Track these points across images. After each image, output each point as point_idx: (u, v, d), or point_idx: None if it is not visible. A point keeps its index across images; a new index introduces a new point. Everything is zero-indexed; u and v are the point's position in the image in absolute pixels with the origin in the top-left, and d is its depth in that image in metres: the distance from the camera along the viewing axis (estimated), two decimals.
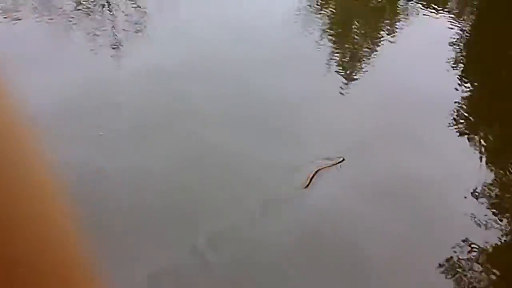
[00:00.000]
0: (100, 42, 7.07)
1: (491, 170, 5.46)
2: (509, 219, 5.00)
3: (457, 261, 4.61)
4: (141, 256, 4.22)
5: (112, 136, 5.39)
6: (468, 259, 4.64)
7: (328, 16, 8.13)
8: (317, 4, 8.34)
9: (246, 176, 5.22)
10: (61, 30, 7.20)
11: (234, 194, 5.00)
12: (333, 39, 7.54)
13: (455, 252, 4.66)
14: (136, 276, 4.07)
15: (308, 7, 8.19)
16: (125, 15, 7.73)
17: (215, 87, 6.33)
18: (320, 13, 8.11)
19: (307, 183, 5.19)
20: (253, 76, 6.53)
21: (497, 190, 5.28)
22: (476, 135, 5.92)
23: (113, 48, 6.97)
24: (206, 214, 4.77)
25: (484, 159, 5.57)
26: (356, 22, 8.13)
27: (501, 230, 4.91)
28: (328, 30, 7.75)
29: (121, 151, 5.26)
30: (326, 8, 8.29)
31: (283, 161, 5.31)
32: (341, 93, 6.48)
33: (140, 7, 7.91)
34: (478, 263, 4.63)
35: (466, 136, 5.90)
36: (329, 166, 5.38)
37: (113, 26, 7.46)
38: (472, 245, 4.74)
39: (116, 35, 7.27)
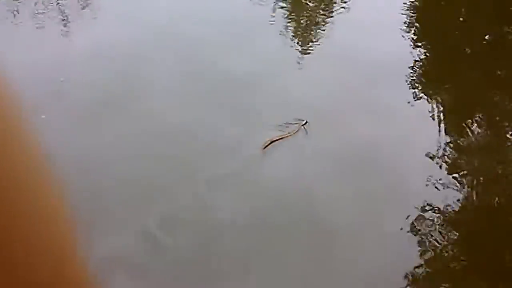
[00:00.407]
0: (45, 19, 6.80)
1: (447, 133, 5.46)
2: (466, 180, 5.01)
3: (418, 223, 4.61)
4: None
5: (57, 119, 5.17)
6: (428, 221, 4.64)
7: None
8: None
9: (202, 150, 5.11)
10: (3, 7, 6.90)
11: (187, 171, 4.91)
12: (286, 9, 7.41)
13: (415, 214, 4.67)
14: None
15: None
16: None
17: (167, 63, 6.17)
18: None
19: (265, 145, 5.17)
20: (207, 51, 6.42)
21: (454, 152, 5.29)
22: (430, 98, 5.92)
23: (61, 25, 6.73)
24: (159, 194, 4.68)
25: (439, 121, 5.57)
26: None
27: (459, 191, 4.92)
28: (280, 1, 7.60)
29: (67, 134, 5.05)
30: None
31: (237, 132, 5.25)
32: (296, 63, 6.41)
33: None
34: (439, 225, 4.64)
35: (421, 99, 5.89)
36: (292, 133, 5.35)
37: (58, 2, 7.18)
38: (432, 207, 4.75)
39: (63, 12, 7.00)
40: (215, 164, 4.97)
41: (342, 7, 7.38)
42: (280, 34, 6.87)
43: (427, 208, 4.76)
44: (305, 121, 5.42)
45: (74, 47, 6.32)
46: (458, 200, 4.87)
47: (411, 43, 6.69)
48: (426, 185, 4.94)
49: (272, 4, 7.38)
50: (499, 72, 6.35)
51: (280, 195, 4.80)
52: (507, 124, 5.64)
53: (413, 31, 6.94)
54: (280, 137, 5.32)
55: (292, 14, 7.31)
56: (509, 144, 5.42)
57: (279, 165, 5.08)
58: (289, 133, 5.36)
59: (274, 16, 7.16)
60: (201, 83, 5.97)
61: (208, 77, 6.05)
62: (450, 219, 4.72)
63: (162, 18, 6.91)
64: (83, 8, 7.15)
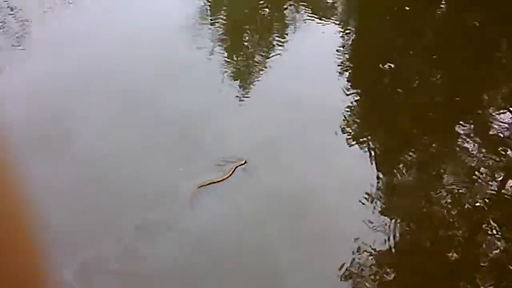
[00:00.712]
0: None
1: (380, 175, 5.63)
2: (398, 222, 5.16)
3: (352, 265, 4.69)
4: None
5: None
6: (362, 262, 4.73)
7: (219, 27, 8.10)
8: (208, 16, 8.28)
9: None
10: None
11: (114, 217, 4.84)
12: (225, 49, 7.52)
13: (350, 256, 4.75)
14: None
15: (199, 18, 8.11)
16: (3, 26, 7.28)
17: (103, 102, 6.11)
18: (211, 24, 8.06)
19: (201, 185, 5.19)
20: (143, 92, 6.41)
21: (386, 194, 5.44)
22: (363, 141, 6.09)
23: None
24: (82, 242, 4.56)
25: (372, 164, 5.74)
26: (247, 32, 8.16)
27: (392, 232, 5.05)
28: (220, 41, 7.72)
29: None
30: (216, 19, 8.26)
31: (172, 176, 5.27)
32: (234, 106, 6.50)
33: (20, 19, 7.48)
34: (372, 266, 4.73)
35: (355, 142, 6.06)
36: (228, 174, 5.37)
37: None
38: (368, 250, 4.84)
39: None
40: (146, 210, 4.92)
41: (279, 51, 7.57)
42: (218, 76, 6.95)
43: (361, 249, 4.86)
44: (243, 161, 5.45)
45: (6, 84, 6.16)
46: (391, 241, 5.00)
47: (345, 87, 6.91)
48: (360, 226, 5.05)
49: (210, 47, 7.49)
50: (429, 114, 6.63)
51: (212, 240, 4.80)
52: (436, 166, 5.87)
53: (347, 75, 7.17)
54: (216, 180, 5.33)
55: (230, 57, 7.43)
56: (438, 185, 5.63)
57: (213, 208, 5.08)
58: (225, 175, 5.37)
59: (211, 59, 7.25)
60: (137, 125, 5.94)
61: (145, 119, 6.03)
62: (383, 261, 4.84)
63: (100, 56, 6.87)
64: (16, 45, 7.01)
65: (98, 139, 5.63)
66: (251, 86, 6.86)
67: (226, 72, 7.06)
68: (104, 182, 5.25)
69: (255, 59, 7.49)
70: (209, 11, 8.38)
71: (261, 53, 7.60)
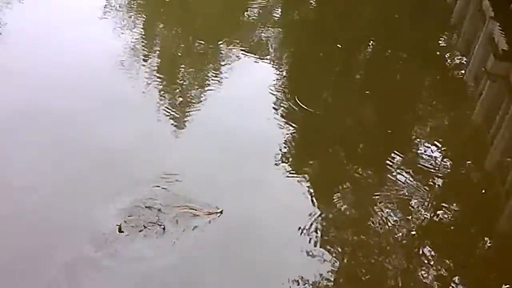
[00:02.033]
0: None
1: (316, 206, 5.66)
2: (337, 253, 5.17)
3: None
4: None
5: None
6: None
7: (154, 61, 8.05)
8: (142, 50, 8.22)
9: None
10: None
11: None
12: (160, 83, 7.46)
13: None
14: None
15: (133, 52, 8.03)
16: None
17: (36, 140, 5.89)
18: (145, 59, 7.99)
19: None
20: (79, 123, 6.28)
21: (323, 224, 5.46)
22: (300, 174, 6.14)
23: None
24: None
25: (308, 196, 5.77)
26: (181, 66, 8.14)
27: (332, 262, 5.05)
28: (154, 75, 7.66)
29: None
30: (151, 53, 8.22)
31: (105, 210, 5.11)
32: (171, 137, 6.40)
33: None
34: None
35: (291, 175, 6.09)
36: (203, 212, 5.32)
37: None
38: (306, 280, 4.81)
39: None
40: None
41: (215, 85, 7.58)
42: (153, 109, 6.86)
43: (299, 280, 4.83)
44: (220, 210, 5.35)
45: None
46: (329, 271, 5.00)
47: (280, 121, 6.96)
48: (297, 257, 5.03)
49: (145, 81, 7.41)
50: (362, 147, 6.77)
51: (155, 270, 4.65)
52: (370, 198, 5.95)
53: (281, 110, 7.24)
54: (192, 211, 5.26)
55: (166, 90, 7.37)
56: (373, 216, 5.69)
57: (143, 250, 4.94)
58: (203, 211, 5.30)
59: (146, 93, 7.17)
60: (68, 157, 5.75)
61: (77, 152, 5.85)
62: None
63: (29, 93, 6.65)
64: None
65: (28, 180, 5.39)
66: (187, 118, 6.80)
67: (161, 105, 6.98)
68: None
69: (190, 92, 7.46)
70: (143, 46, 8.32)
71: (196, 87, 7.59)
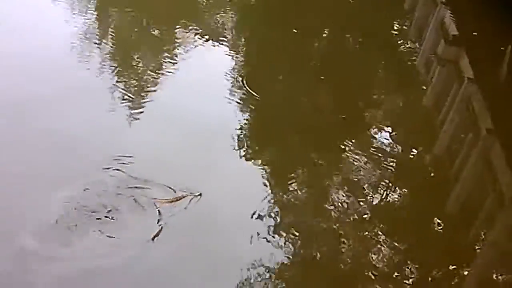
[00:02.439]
0: None
1: (272, 192, 5.73)
2: (292, 237, 5.27)
3: (248, 281, 4.72)
4: None
5: None
6: (257, 278, 4.77)
7: (108, 46, 7.94)
8: (96, 35, 8.09)
9: None
10: None
11: None
12: (115, 69, 7.38)
13: (246, 273, 4.77)
14: None
15: (86, 38, 7.90)
16: None
17: None
18: (99, 44, 7.87)
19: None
20: (26, 111, 6.11)
21: (280, 209, 5.55)
22: (256, 159, 6.21)
23: None
24: None
25: (265, 181, 5.84)
26: (137, 52, 8.06)
27: (287, 247, 5.15)
28: (109, 61, 7.57)
29: None
30: (105, 38, 8.10)
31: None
32: (127, 123, 6.36)
33: None
34: (268, 281, 4.79)
35: (248, 160, 6.15)
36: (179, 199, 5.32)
37: None
38: (260, 265, 4.90)
39: None
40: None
41: (171, 71, 7.55)
42: (108, 95, 6.78)
43: (254, 265, 4.91)
44: (198, 193, 5.38)
45: None
46: (283, 255, 5.10)
47: (236, 106, 7.01)
48: (253, 242, 5.11)
49: (99, 67, 7.31)
50: (314, 134, 6.89)
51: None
52: (324, 181, 6.09)
53: (237, 95, 7.28)
54: (169, 200, 5.25)
55: (120, 76, 7.29)
56: (327, 200, 5.83)
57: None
58: (177, 198, 5.30)
59: (100, 79, 7.08)
60: (21, 144, 5.65)
61: (29, 139, 5.76)
62: (277, 275, 4.91)
63: None
64: None
65: None
66: (143, 105, 6.76)
67: (116, 89, 6.91)
68: None
69: (146, 77, 7.40)
70: (97, 31, 8.19)
71: (152, 71, 7.53)
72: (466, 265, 5.43)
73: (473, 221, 6.02)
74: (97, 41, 7.91)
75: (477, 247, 5.79)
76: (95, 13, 8.64)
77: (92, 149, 5.75)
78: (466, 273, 5.35)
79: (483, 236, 5.92)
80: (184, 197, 5.36)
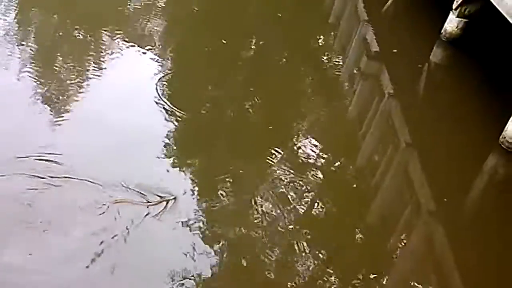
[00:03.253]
0: None
1: (200, 202, 5.73)
2: (220, 247, 5.26)
3: None
4: None
5: None
6: None
7: (28, 49, 7.66)
8: (16, 36, 7.79)
9: None
10: None
11: None
12: (36, 72, 7.12)
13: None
14: None
15: (5, 41, 7.59)
16: None
17: None
18: (19, 45, 7.58)
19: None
20: None
21: (209, 220, 5.54)
22: (183, 167, 6.19)
23: None
24: None
25: (194, 190, 5.82)
26: (59, 56, 7.83)
27: (215, 256, 5.12)
28: (29, 63, 7.30)
29: None
30: (25, 40, 7.82)
31: None
32: (49, 128, 6.18)
33: None
34: None
35: (175, 167, 6.11)
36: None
37: None
38: (190, 276, 4.85)
39: None
40: None
41: (96, 76, 7.38)
42: (28, 99, 6.54)
43: (184, 277, 4.89)
44: (173, 197, 5.50)
45: None
46: (214, 266, 5.10)
47: (163, 114, 6.94)
48: (181, 256, 5.08)
49: (18, 69, 7.05)
50: (245, 142, 6.93)
51: None
52: (251, 192, 6.12)
53: (164, 102, 7.21)
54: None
55: (42, 80, 7.05)
56: (254, 210, 5.87)
57: None
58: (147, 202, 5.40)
59: (19, 81, 6.82)
60: None
61: None
62: (207, 285, 4.91)
63: None
64: None
65: None
66: (66, 109, 6.57)
67: (37, 95, 6.68)
68: None
69: (69, 83, 7.19)
70: (17, 32, 7.88)
71: (75, 76, 7.33)
72: (386, 273, 5.62)
73: (392, 231, 6.26)
74: (18, 44, 7.62)
75: (395, 256, 6.01)
76: (16, 14, 8.32)
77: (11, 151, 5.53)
78: (385, 281, 5.54)
79: (402, 245, 6.16)
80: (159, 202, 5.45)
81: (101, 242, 4.94)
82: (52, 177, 5.44)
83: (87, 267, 4.74)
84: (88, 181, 5.47)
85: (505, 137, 7.83)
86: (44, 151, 5.70)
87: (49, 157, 5.64)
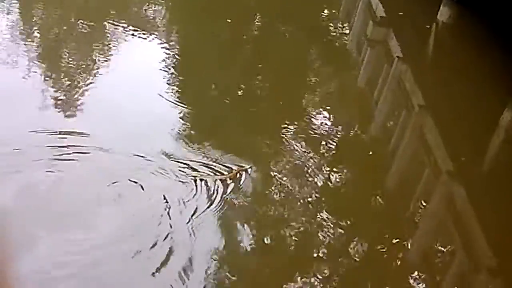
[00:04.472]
0: None
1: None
2: (240, 223, 5.29)
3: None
4: None
5: None
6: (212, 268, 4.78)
7: (34, 44, 7.69)
8: (22, 31, 7.81)
9: None
10: None
11: None
12: (44, 67, 7.16)
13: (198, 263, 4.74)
14: None
15: (11, 34, 7.62)
16: None
17: None
18: (25, 41, 7.61)
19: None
20: None
21: (227, 195, 5.55)
22: (199, 151, 6.17)
23: None
24: None
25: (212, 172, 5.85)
26: (66, 48, 7.85)
27: (236, 234, 5.18)
28: (37, 59, 7.34)
29: None
30: (31, 35, 7.84)
31: None
32: (61, 123, 6.18)
33: None
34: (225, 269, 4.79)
35: (190, 152, 6.12)
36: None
37: None
38: (214, 257, 4.89)
39: None
40: None
41: (103, 67, 7.40)
42: (38, 95, 6.58)
43: (205, 255, 4.93)
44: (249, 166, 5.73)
45: None
46: (238, 243, 5.14)
47: (174, 100, 6.94)
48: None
49: (26, 65, 7.08)
50: (257, 120, 6.92)
51: None
52: (268, 167, 6.13)
53: (174, 88, 7.22)
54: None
55: (50, 74, 7.09)
56: (271, 185, 5.88)
57: None
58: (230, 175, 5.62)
59: (28, 78, 6.86)
60: None
61: None
62: (227, 263, 4.94)
63: None
64: None
65: None
66: (77, 102, 6.60)
67: (46, 90, 6.72)
68: None
69: (78, 76, 7.22)
70: (22, 27, 7.90)
71: (83, 69, 7.35)
72: (409, 237, 5.63)
73: (412, 195, 6.25)
74: (23, 42, 7.64)
75: (417, 219, 6.01)
76: (20, 13, 8.34)
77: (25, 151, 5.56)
78: (409, 245, 5.55)
79: (423, 208, 6.15)
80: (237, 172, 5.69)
81: None
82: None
83: None
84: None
85: None
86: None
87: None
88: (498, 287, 5.35)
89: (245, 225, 5.31)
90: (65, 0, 8.98)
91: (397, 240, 5.49)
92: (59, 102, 6.52)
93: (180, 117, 6.62)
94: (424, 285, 5.14)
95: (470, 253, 5.68)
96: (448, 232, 5.97)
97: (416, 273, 5.24)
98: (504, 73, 8.17)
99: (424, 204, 6.23)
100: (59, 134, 5.87)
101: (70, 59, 7.60)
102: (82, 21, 8.34)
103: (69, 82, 6.99)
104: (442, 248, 5.66)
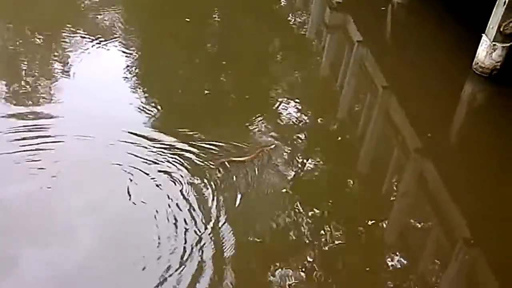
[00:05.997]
0: None
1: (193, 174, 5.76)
2: (221, 211, 5.30)
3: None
4: None
5: None
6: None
7: None
8: None
9: None
10: None
11: None
12: (4, 86, 7.04)
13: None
14: None
15: None
16: None
17: None
18: None
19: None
20: None
21: (206, 186, 5.57)
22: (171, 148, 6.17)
23: None
24: None
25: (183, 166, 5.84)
26: (23, 58, 7.73)
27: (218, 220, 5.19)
28: None
29: None
30: None
31: None
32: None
33: None
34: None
35: (164, 148, 6.10)
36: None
37: None
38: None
39: None
40: None
41: (65, 76, 7.31)
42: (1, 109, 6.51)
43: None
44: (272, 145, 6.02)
45: None
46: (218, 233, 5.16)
47: (142, 104, 6.91)
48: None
49: None
50: (223, 114, 6.91)
51: None
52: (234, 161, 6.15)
53: (139, 92, 7.18)
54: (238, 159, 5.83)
55: (11, 88, 6.98)
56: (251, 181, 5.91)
57: None
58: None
59: None
60: None
61: None
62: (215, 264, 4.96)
63: None
64: None
65: None
66: (40, 108, 6.54)
67: (7, 98, 6.63)
68: None
69: (39, 88, 7.11)
70: None
71: (45, 81, 7.25)
72: (384, 217, 5.72)
73: (384, 174, 6.34)
74: None
75: (391, 198, 6.11)
76: None
77: None
78: (384, 225, 5.64)
79: (395, 187, 6.25)
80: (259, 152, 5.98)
81: None
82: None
83: None
84: None
85: (477, 63, 7.93)
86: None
87: None
88: (476, 257, 5.47)
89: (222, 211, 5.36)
90: (19, 13, 8.80)
91: (373, 221, 5.57)
92: (21, 109, 6.45)
93: (145, 120, 6.59)
94: (405, 262, 5.23)
95: (445, 226, 5.81)
96: (423, 208, 6.08)
97: (395, 251, 5.33)
98: (461, 47, 8.34)
99: (396, 183, 6.33)
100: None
101: (30, 72, 7.48)
102: (38, 33, 8.21)
103: (31, 95, 6.90)
104: (418, 225, 5.75)
